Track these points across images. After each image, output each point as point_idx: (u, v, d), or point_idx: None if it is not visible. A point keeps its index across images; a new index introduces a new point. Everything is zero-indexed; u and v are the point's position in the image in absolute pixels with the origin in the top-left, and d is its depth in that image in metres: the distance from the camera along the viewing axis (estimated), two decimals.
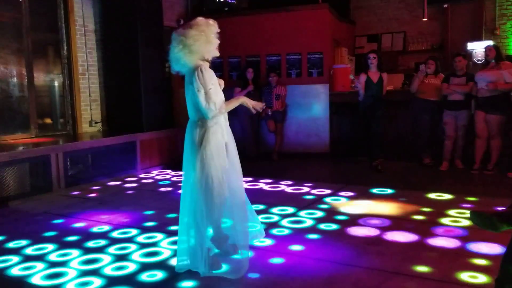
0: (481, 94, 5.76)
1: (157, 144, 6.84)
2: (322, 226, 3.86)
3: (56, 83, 6.82)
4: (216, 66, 8.32)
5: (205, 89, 2.86)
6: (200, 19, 2.98)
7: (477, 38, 8.97)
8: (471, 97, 6.01)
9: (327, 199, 4.76)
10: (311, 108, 7.59)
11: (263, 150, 7.70)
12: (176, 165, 6.83)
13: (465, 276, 2.84)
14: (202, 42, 2.89)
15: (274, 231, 3.76)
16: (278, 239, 3.57)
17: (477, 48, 8.19)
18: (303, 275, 2.90)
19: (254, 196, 4.66)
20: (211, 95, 2.87)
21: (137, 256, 3.33)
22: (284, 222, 4.02)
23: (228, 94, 7.82)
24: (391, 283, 2.77)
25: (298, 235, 3.67)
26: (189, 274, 2.95)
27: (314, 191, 5.13)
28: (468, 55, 8.44)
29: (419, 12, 9.15)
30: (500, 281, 2.31)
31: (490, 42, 8.46)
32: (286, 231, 3.77)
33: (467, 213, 3.88)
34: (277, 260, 3.16)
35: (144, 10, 6.80)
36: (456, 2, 9.27)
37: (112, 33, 6.98)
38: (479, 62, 7.41)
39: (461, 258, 3.13)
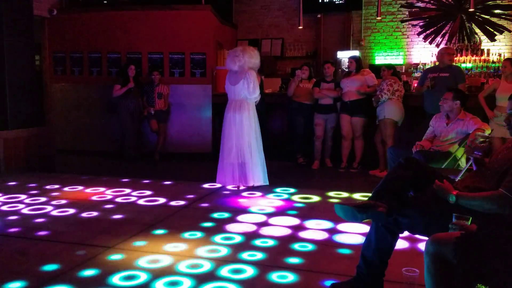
0: (347, 98, 6.35)
1: (24, 144, 6.25)
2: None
3: None
4: (94, 60, 7.90)
5: None
6: None
7: (346, 47, 9.87)
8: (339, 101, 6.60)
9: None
10: (194, 108, 7.61)
11: (145, 150, 7.52)
12: (45, 168, 6.35)
13: (331, 264, 3.12)
14: None
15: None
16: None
17: (345, 56, 9.02)
18: None
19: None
20: None
21: None
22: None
23: (107, 92, 7.54)
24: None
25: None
26: None
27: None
28: (337, 63, 9.24)
29: (296, 21, 9.69)
30: (360, 267, 2.60)
31: (356, 52, 9.38)
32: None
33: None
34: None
35: None
36: (328, 13, 10.07)
37: None
38: (347, 70, 8.16)
39: (328, 248, 3.43)
